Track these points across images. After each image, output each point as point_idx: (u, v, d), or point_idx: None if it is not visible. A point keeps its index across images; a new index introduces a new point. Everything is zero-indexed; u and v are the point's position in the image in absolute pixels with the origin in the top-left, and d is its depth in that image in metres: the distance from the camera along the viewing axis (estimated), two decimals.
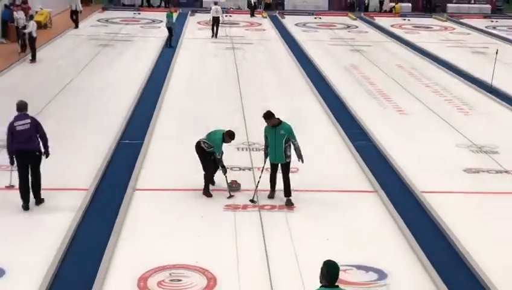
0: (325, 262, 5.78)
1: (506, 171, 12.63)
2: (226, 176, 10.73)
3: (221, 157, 10.62)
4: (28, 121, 10.24)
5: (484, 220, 10.50)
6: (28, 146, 10.12)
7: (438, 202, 10.87)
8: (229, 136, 10.68)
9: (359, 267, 8.59)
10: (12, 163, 10.20)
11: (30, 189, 10.17)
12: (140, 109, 16.57)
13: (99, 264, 8.43)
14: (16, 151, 10.11)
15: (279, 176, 10.58)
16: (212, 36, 28.57)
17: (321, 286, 5.60)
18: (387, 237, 9.67)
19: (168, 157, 13.09)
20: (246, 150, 13.47)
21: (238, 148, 13.51)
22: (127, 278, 8.24)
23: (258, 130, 14.80)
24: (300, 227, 9.82)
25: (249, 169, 12.28)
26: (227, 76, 21.15)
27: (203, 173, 10.78)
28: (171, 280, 8.23)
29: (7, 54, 21.97)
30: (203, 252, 8.91)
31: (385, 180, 11.83)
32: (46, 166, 11.97)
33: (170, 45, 25.89)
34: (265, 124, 10.59)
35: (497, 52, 20.76)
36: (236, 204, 10.60)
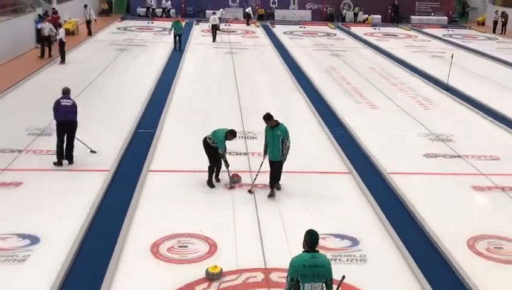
0: (307, 231, 5.85)
1: (458, 156, 12.70)
2: (228, 169, 10.39)
3: (224, 152, 10.31)
4: (70, 101, 11.56)
5: (440, 195, 10.59)
6: (68, 118, 11.28)
7: (402, 181, 10.93)
8: (231, 134, 10.33)
9: (336, 235, 8.66)
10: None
11: (64, 153, 11.32)
12: (153, 103, 16.52)
13: (119, 233, 8.49)
14: (58, 121, 11.29)
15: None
16: (213, 41, 28.61)
17: (304, 251, 5.67)
18: (359, 211, 9.75)
19: (176, 144, 13.10)
20: (242, 138, 13.47)
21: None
22: (142, 244, 8.29)
23: (252, 121, 14.89)
24: (287, 202, 9.88)
25: (245, 154, 12.33)
26: (227, 75, 21.09)
27: (208, 165, 10.47)
28: (179, 246, 8.28)
29: (38, 60, 21.88)
30: (205, 223, 8.97)
31: (358, 163, 11.88)
32: (75, 152, 12.04)
33: (180, 48, 25.85)
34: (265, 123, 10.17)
35: (452, 57, 20.78)
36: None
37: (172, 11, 38.79)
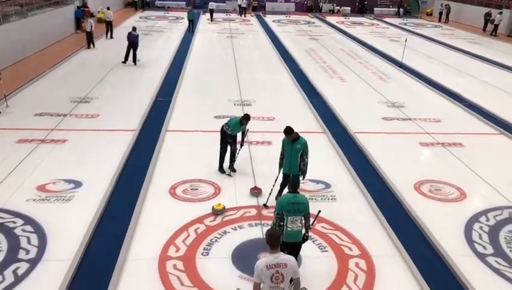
0: (290, 178, 5.94)
1: (409, 119, 12.69)
2: (237, 154, 9.12)
3: (233, 133, 8.92)
4: (136, 33, 17.59)
5: (393, 149, 10.62)
6: (134, 38, 17.50)
7: (364, 138, 10.94)
8: (244, 118, 8.95)
9: (312, 180, 8.70)
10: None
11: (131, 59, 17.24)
12: (170, 76, 16.33)
13: (144, 179, 8.51)
14: (129, 42, 17.47)
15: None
16: (211, 21, 30.70)
17: (288, 192, 5.74)
18: (331, 162, 9.79)
19: (188, 109, 13.00)
20: (240, 105, 13.39)
21: (234, 104, 13.43)
22: (162, 187, 8.33)
23: (247, 91, 14.79)
24: (274, 154, 9.81)
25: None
26: (227, 54, 20.79)
27: (219, 153, 9.14)
28: (191, 189, 8.32)
29: (78, 42, 21.42)
30: (212, 171, 9.00)
31: (330, 125, 11.87)
32: (106, 116, 11.97)
33: (192, 30, 26.18)
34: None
35: (406, 41, 20.59)
36: None
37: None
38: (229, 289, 5.77)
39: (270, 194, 7.83)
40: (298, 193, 5.81)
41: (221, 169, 9.03)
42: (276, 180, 7.81)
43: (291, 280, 4.60)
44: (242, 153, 10.00)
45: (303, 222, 5.66)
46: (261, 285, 4.50)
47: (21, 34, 17.64)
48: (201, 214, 7.44)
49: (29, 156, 9.33)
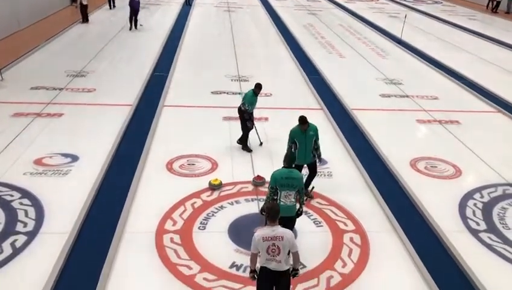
0: (288, 154, 5.97)
1: (407, 96, 12.68)
2: (252, 126, 8.89)
3: (250, 109, 8.71)
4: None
5: (391, 126, 10.64)
6: (136, 5, 18.66)
7: (362, 115, 10.94)
8: (257, 88, 8.72)
9: None
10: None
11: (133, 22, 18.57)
12: (167, 51, 16.16)
13: (141, 154, 8.51)
14: (130, 7, 18.66)
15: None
16: None
17: (283, 167, 5.82)
18: (328, 138, 9.72)
19: (185, 84, 12.92)
20: (237, 80, 13.32)
21: (231, 80, 13.36)
22: (159, 162, 8.32)
23: (245, 66, 14.68)
24: (271, 129, 9.85)
25: (239, 93, 12.19)
26: (225, 28, 20.57)
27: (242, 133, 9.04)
28: (188, 164, 8.33)
29: (73, 14, 21.05)
30: (209, 146, 8.98)
31: (328, 101, 11.84)
32: (103, 90, 11.90)
33: (189, 3, 25.96)
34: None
35: (405, 17, 20.39)
36: (230, 116, 10.58)
37: None
38: (225, 262, 5.85)
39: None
40: (293, 168, 5.84)
41: (246, 147, 8.89)
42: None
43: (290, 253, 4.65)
44: (239, 129, 9.97)
45: (297, 197, 5.69)
46: (258, 256, 4.56)
47: (15, 7, 17.34)
48: (198, 189, 7.46)
49: (25, 130, 9.29)
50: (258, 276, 4.67)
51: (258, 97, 8.83)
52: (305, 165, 7.30)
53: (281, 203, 5.61)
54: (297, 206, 5.70)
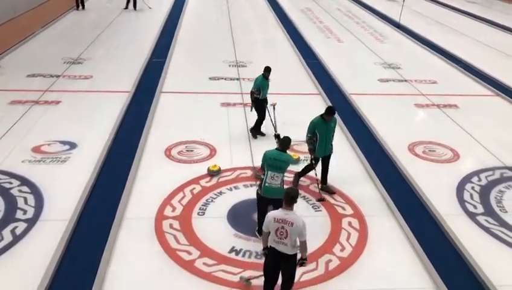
0: (283, 137, 5.99)
1: (405, 80, 12.66)
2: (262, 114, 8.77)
3: (262, 95, 8.56)
4: None
5: (389, 111, 10.65)
6: None
7: (360, 100, 10.93)
8: (266, 71, 8.58)
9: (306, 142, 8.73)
10: None
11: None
12: (164, 36, 16.06)
13: (139, 141, 8.50)
14: None
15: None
16: None
17: (276, 148, 5.99)
18: None
19: (183, 70, 12.87)
20: (235, 66, 13.26)
21: (229, 65, 13.30)
22: (157, 149, 8.33)
23: (243, 52, 14.61)
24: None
25: (237, 79, 12.17)
26: (222, 14, 20.42)
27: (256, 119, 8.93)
28: (187, 150, 8.33)
29: (69, 1, 20.79)
30: (207, 132, 8.97)
31: (326, 86, 11.81)
32: (100, 77, 11.84)
33: None
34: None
35: (404, 0, 20.24)
36: (228, 102, 10.57)
37: None
38: (224, 247, 5.89)
39: (318, 184, 7.12)
40: (285, 152, 5.95)
41: (259, 133, 8.83)
42: (315, 165, 7.11)
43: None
44: (238, 115, 9.98)
45: (283, 179, 5.78)
46: (269, 235, 4.65)
47: None
48: (197, 175, 7.48)
49: (22, 117, 9.27)
50: (267, 254, 4.75)
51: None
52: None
53: (266, 184, 5.73)
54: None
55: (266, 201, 5.76)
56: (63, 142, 8.30)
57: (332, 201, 7.01)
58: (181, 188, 7.12)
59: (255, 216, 6.16)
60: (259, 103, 8.69)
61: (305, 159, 8.09)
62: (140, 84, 11.48)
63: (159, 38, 15.86)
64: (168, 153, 8.19)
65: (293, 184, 7.12)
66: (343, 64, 13.90)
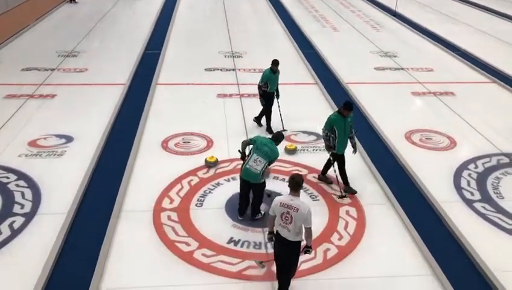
0: (278, 132, 6.15)
1: (402, 68, 12.65)
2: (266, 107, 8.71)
3: (270, 88, 8.50)
4: None
5: (386, 99, 10.66)
6: None
7: (356, 89, 10.94)
8: (273, 64, 8.50)
9: (304, 132, 8.79)
10: None
11: None
12: (158, 28, 15.98)
13: (135, 133, 8.49)
14: None
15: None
16: None
17: (269, 138, 6.28)
18: (322, 113, 9.60)
19: (178, 61, 12.82)
20: (230, 56, 13.21)
21: (225, 56, 13.25)
22: (154, 141, 8.32)
23: (238, 42, 14.55)
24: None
25: (233, 70, 12.13)
26: (217, 5, 20.29)
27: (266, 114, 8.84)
28: (184, 142, 8.33)
29: None
30: (204, 124, 8.97)
31: (322, 75, 11.80)
32: (95, 70, 11.78)
33: None
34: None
35: None
36: (225, 93, 10.55)
37: None
38: (223, 238, 5.91)
39: (339, 183, 6.93)
40: (276, 144, 6.15)
41: (269, 129, 8.63)
42: (333, 163, 6.92)
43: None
44: (234, 105, 9.96)
45: (264, 171, 5.93)
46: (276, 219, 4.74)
47: None
48: (194, 167, 7.48)
49: (18, 111, 9.24)
50: (274, 238, 4.80)
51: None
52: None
53: (247, 165, 5.92)
54: (304, 242, 4.82)
55: (245, 183, 6.02)
56: (59, 136, 8.28)
57: (329, 190, 7.03)
58: (179, 180, 7.13)
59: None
60: (267, 96, 8.55)
61: (302, 149, 8.10)
62: (135, 76, 11.44)
63: (153, 29, 15.79)
64: (165, 145, 8.19)
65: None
66: (339, 53, 13.87)
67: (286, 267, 4.78)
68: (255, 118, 8.94)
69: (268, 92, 8.51)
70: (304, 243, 4.76)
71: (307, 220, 4.57)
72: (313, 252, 5.66)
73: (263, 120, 8.89)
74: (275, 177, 7.25)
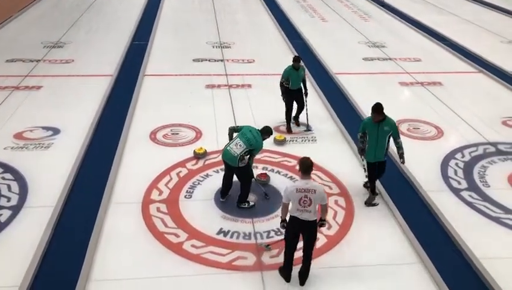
0: (267, 126, 6.13)
1: (389, 59, 12.69)
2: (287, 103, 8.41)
3: (291, 85, 8.20)
4: None
5: (373, 89, 10.65)
6: None
7: (345, 79, 10.95)
8: (294, 61, 8.21)
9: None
10: None
11: None
12: (145, 18, 15.82)
13: (123, 125, 8.42)
14: None
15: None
16: None
17: (260, 129, 6.31)
18: (311, 104, 9.73)
19: (166, 52, 12.72)
20: (218, 47, 13.13)
21: (213, 46, 13.18)
22: (142, 133, 8.27)
23: (226, 32, 14.46)
24: (256, 99, 9.81)
25: (221, 60, 12.07)
26: None
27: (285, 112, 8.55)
28: (172, 133, 8.29)
29: None
30: (192, 115, 8.92)
31: (311, 66, 11.75)
32: (82, 61, 11.64)
33: None
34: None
35: None
36: (213, 84, 10.50)
37: None
38: (212, 229, 5.92)
39: (367, 187, 6.71)
40: (263, 137, 6.24)
41: (289, 130, 8.35)
42: (365, 168, 6.65)
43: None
44: (222, 96, 9.93)
45: (241, 158, 5.99)
46: (290, 206, 4.92)
47: None
48: (183, 158, 7.46)
49: (3, 104, 9.11)
50: (288, 224, 4.98)
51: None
52: None
53: (228, 147, 6.09)
54: (317, 217, 4.97)
55: (226, 166, 6.18)
56: (46, 128, 8.19)
57: (319, 181, 7.06)
58: (167, 172, 7.10)
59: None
60: (289, 94, 8.24)
61: (290, 140, 8.11)
62: (122, 67, 11.33)
63: (140, 20, 15.63)
64: (153, 136, 8.14)
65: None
66: (327, 43, 13.86)
67: (311, 242, 5.04)
68: (293, 117, 8.55)
69: (291, 89, 8.19)
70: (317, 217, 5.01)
71: (324, 197, 4.92)
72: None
73: (300, 118, 8.59)
74: (263, 168, 7.26)
